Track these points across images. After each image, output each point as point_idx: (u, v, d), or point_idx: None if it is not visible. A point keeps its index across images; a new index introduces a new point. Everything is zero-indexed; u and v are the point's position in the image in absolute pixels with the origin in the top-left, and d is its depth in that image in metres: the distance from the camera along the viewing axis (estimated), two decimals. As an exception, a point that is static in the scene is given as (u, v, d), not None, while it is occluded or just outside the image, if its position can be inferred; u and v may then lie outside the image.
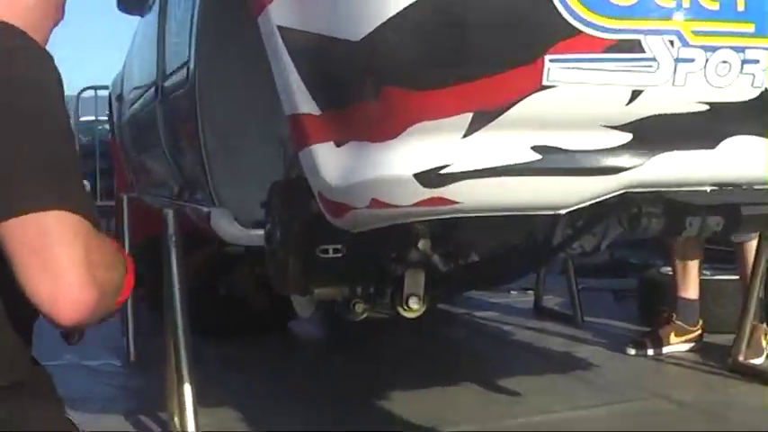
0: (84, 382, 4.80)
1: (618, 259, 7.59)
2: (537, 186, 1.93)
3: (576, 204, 1.98)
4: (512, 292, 6.94)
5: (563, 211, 1.99)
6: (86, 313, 1.20)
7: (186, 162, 3.72)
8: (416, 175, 1.90)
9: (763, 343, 4.84)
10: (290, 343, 5.77)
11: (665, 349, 5.08)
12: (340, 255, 2.50)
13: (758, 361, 4.75)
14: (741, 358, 4.70)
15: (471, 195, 1.91)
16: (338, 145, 2.03)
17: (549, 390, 4.49)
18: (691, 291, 5.12)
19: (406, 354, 5.45)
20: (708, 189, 2.08)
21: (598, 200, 1.98)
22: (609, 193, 1.98)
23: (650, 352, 5.07)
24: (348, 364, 5.23)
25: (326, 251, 2.49)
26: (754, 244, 4.67)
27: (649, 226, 2.50)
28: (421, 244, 2.53)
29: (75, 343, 1.36)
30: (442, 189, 1.90)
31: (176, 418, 3.59)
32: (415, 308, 2.56)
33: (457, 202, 1.92)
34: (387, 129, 1.95)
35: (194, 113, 3.27)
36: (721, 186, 2.06)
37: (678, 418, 4.05)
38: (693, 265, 5.10)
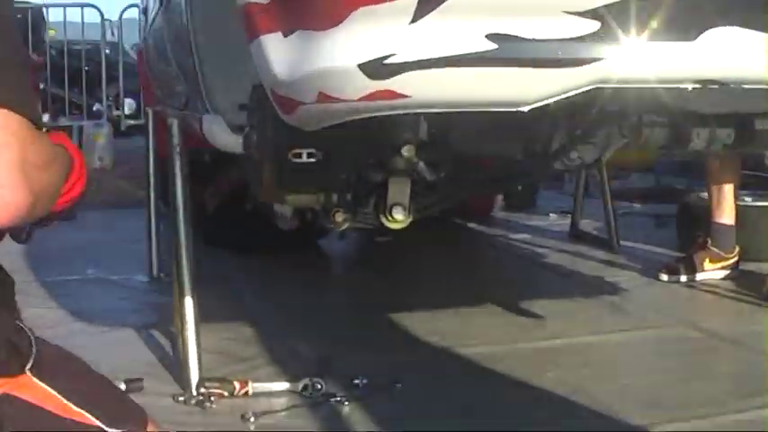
0: (105, 295, 4.83)
1: (664, 185, 7.34)
2: (493, 79, 1.73)
3: (539, 100, 1.77)
4: (550, 215, 6.77)
5: (525, 108, 1.78)
6: (18, 215, 1.13)
7: (186, 70, 3.59)
8: (361, 66, 1.72)
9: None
10: (315, 260, 5.66)
11: (699, 276, 4.87)
12: (314, 160, 2.34)
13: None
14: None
15: (421, 88, 1.72)
16: (285, 35, 1.86)
17: (573, 314, 4.36)
18: (726, 216, 4.90)
19: (430, 272, 5.33)
20: (689, 87, 1.85)
21: (564, 96, 1.77)
22: (575, 89, 1.77)
23: (683, 278, 4.87)
24: (371, 281, 5.20)
25: (300, 155, 2.34)
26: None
27: (651, 137, 2.32)
28: (405, 150, 2.35)
29: (24, 242, 1.32)
30: (388, 81, 1.72)
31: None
32: (399, 218, 2.41)
33: (406, 96, 1.73)
34: (330, 15, 1.78)
35: (186, 20, 3.12)
36: (705, 84, 1.84)
37: (701, 346, 3.87)
38: (729, 190, 4.87)
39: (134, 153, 7.68)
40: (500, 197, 6.92)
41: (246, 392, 3.30)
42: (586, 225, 6.20)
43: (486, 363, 3.61)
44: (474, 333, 4.05)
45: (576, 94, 1.78)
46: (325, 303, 4.65)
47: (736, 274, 4.90)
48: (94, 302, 4.54)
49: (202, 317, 3.39)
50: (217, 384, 3.31)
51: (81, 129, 9.71)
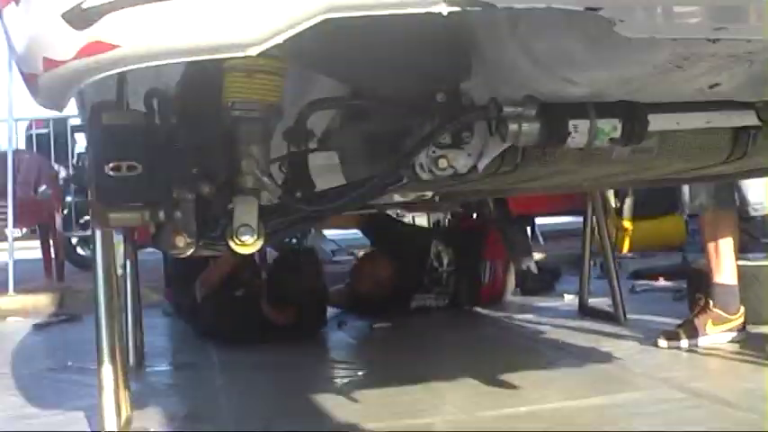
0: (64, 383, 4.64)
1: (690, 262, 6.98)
2: (205, 17, 1.47)
3: (265, 40, 1.46)
4: (565, 296, 6.50)
5: (253, 51, 1.47)
6: None
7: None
8: (65, 16, 1.48)
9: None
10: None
11: (702, 340, 4.51)
12: (135, 173, 2.11)
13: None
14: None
15: (127, 35, 1.47)
16: (17, 3, 1.65)
17: (551, 382, 4.04)
18: (726, 275, 4.55)
19: (417, 352, 5.12)
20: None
21: (294, 31, 1.45)
22: (304, 21, 1.45)
23: (684, 344, 4.51)
24: (353, 361, 5.09)
25: (119, 168, 2.11)
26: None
27: (520, 132, 2.06)
28: (245, 165, 2.12)
29: None
30: (94, 29, 1.47)
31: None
32: (247, 241, 2.15)
33: (117, 46, 1.48)
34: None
35: None
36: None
37: (682, 406, 3.49)
38: (727, 246, 4.54)
39: (150, 259, 7.65)
40: (513, 283, 6.64)
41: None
42: (600, 303, 5.84)
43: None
44: (437, 404, 3.77)
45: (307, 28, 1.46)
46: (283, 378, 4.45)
47: (744, 337, 4.48)
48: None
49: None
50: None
51: (102, 237, 9.66)
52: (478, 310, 6.30)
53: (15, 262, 7.72)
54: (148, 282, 7.50)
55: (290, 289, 5.32)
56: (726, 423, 3.34)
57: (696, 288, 5.03)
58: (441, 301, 6.25)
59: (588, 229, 5.77)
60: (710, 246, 4.58)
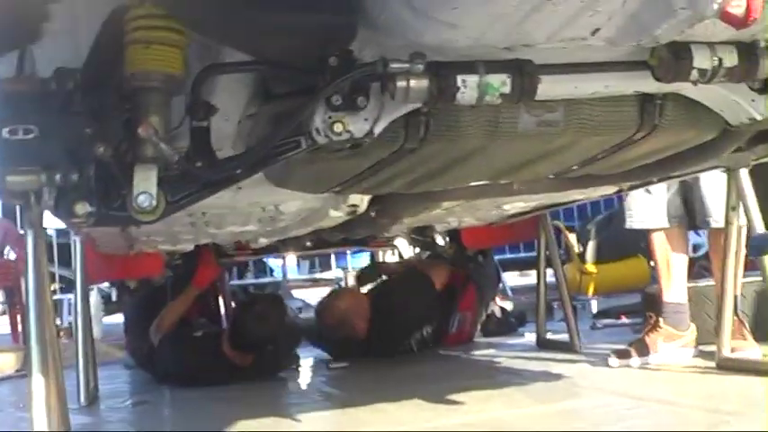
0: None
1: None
2: None
3: None
4: (525, 334, 6.44)
5: None
6: None
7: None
8: None
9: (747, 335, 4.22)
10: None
11: (653, 357, 4.50)
12: (32, 136, 2.13)
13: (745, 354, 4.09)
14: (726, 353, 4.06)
15: None
16: None
17: (496, 397, 4.00)
18: (676, 292, 4.55)
19: (371, 384, 5.10)
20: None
21: None
22: None
23: (635, 362, 4.50)
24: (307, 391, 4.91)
25: (16, 132, 2.13)
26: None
27: (409, 88, 2.08)
28: (141, 131, 2.14)
29: None
30: None
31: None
32: (147, 208, 2.16)
33: None
34: None
35: None
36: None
37: (623, 409, 3.47)
38: (677, 264, 4.55)
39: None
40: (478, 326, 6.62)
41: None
42: (560, 338, 5.77)
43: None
44: (382, 418, 3.75)
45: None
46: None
47: (695, 354, 4.45)
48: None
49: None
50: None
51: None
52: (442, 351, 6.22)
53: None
54: (114, 340, 7.52)
55: (253, 333, 5.26)
56: (668, 419, 3.31)
57: (648, 308, 5.00)
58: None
59: (541, 262, 5.76)
60: (662, 263, 4.58)
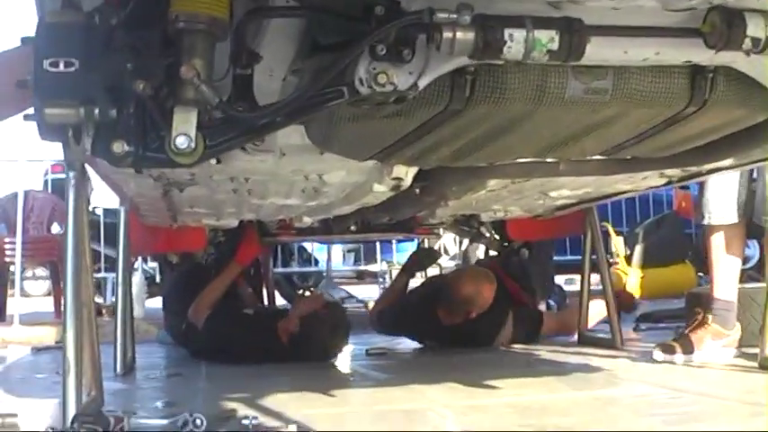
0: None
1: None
2: None
3: None
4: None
5: None
6: None
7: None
8: None
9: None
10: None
11: (698, 355, 4.40)
12: (72, 69, 2.13)
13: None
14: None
15: None
16: None
17: (532, 383, 3.94)
18: (726, 290, 4.47)
19: (412, 368, 5.14)
20: None
21: None
22: None
23: (679, 358, 4.43)
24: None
25: (56, 64, 2.13)
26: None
27: (455, 40, 2.06)
28: (183, 71, 2.14)
29: None
30: None
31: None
32: (185, 150, 2.16)
33: None
34: None
35: None
36: None
37: (661, 399, 3.42)
38: (731, 264, 4.47)
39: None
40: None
41: (122, 428, 3.05)
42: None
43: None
44: (415, 397, 3.77)
45: None
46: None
47: (739, 354, 4.38)
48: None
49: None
50: (91, 419, 3.06)
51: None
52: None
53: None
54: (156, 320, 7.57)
55: (325, 344, 5.24)
56: (706, 410, 3.24)
57: (694, 305, 4.92)
58: None
59: (587, 257, 5.70)
60: (717, 259, 4.50)
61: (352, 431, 3.11)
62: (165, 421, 3.11)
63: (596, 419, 3.09)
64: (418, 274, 7.13)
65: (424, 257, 6.85)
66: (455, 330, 5.66)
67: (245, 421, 3.08)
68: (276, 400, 3.64)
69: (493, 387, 3.85)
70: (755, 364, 4.08)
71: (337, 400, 3.74)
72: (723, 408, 3.22)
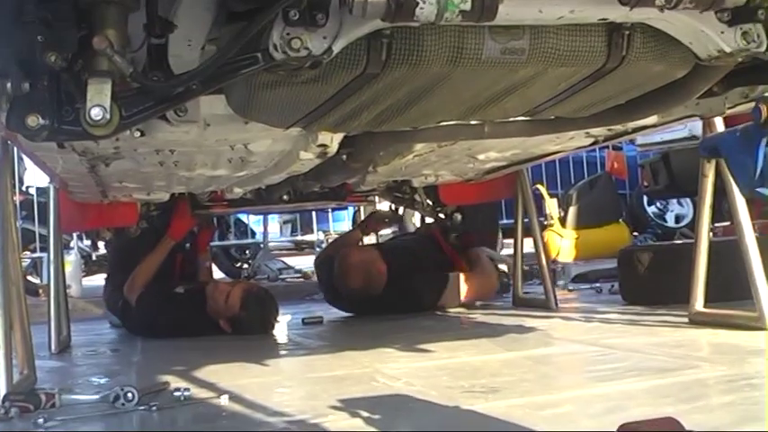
0: None
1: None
2: None
3: None
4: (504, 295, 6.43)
5: None
6: None
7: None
8: None
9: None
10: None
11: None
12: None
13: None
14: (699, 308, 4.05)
15: None
16: None
17: (465, 346, 3.96)
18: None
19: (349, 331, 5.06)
20: None
21: None
22: None
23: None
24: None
25: (-29, 43, 2.11)
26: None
27: (367, 4, 2.05)
28: (96, 42, 2.11)
29: None
30: None
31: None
32: (100, 121, 2.13)
33: None
34: None
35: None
36: None
37: (595, 357, 3.47)
38: None
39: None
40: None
41: (53, 404, 3.03)
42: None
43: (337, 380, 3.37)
44: (348, 363, 3.72)
45: None
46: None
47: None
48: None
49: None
50: (22, 397, 3.05)
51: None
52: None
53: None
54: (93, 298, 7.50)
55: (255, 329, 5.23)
56: (636, 365, 3.29)
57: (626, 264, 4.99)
58: None
59: (519, 218, 5.76)
60: None
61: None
62: (96, 396, 3.07)
63: (526, 378, 3.11)
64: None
65: (380, 218, 6.87)
66: (390, 296, 5.68)
67: (177, 393, 3.08)
68: (210, 372, 3.63)
69: (426, 351, 3.86)
70: (685, 320, 4.12)
71: (271, 369, 3.74)
72: (651, 362, 3.26)
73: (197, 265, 6.21)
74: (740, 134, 2.66)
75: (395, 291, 5.66)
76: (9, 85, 2.11)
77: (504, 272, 6.66)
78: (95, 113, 2.15)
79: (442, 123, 3.16)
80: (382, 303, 5.68)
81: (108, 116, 2.15)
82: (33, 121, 2.17)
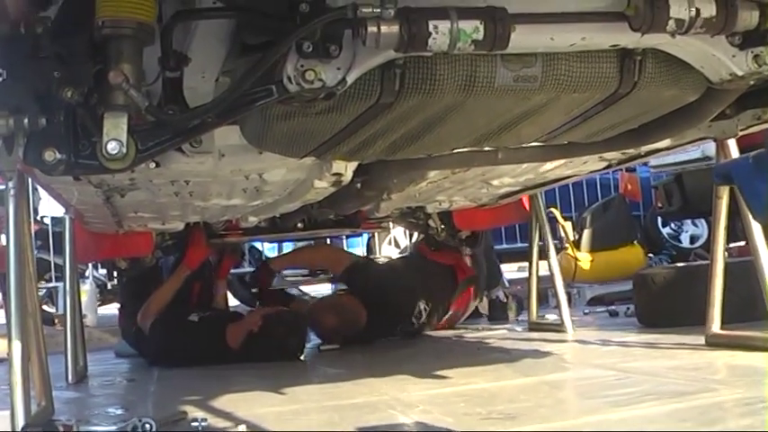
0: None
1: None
2: None
3: None
4: (519, 318, 6.43)
5: None
6: None
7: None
8: None
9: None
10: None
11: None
12: (0, 79, 2.13)
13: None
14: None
15: None
16: None
17: (481, 371, 3.96)
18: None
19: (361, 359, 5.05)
20: None
21: None
22: None
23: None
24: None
25: (-16, 75, 2.13)
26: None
27: (380, 34, 2.07)
28: (111, 77, 2.13)
29: None
30: None
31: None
32: (116, 155, 2.15)
33: None
34: None
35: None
36: None
37: (613, 382, 3.45)
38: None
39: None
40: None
41: (71, 436, 3.01)
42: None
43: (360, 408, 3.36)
44: (366, 390, 3.77)
45: None
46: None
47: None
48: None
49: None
50: (40, 429, 3.07)
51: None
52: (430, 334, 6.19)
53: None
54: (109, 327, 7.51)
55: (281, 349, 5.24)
56: (653, 389, 3.28)
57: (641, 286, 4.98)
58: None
59: (534, 243, 5.75)
60: None
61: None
62: (114, 427, 3.08)
63: (544, 404, 3.11)
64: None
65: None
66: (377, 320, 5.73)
67: (194, 423, 3.08)
68: (227, 401, 3.63)
69: (442, 377, 3.86)
70: (702, 342, 4.11)
71: (288, 397, 3.74)
72: (668, 386, 3.25)
73: (214, 290, 6.21)
74: (753, 161, 2.66)
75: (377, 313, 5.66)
76: (26, 120, 2.12)
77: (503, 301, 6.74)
78: (112, 147, 2.16)
79: (455, 150, 3.16)
80: (374, 329, 5.67)
81: (124, 150, 2.17)
82: (50, 155, 2.19)
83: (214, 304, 6.01)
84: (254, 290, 6.84)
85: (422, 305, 5.94)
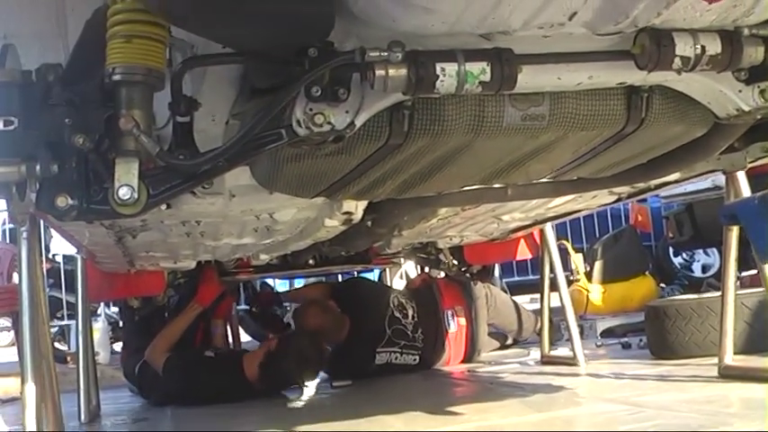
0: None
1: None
2: None
3: None
4: (531, 351, 6.41)
5: None
6: None
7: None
8: None
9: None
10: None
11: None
12: (12, 128, 2.14)
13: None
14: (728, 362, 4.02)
15: None
16: None
17: (495, 408, 3.94)
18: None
19: (369, 398, 4.98)
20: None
21: None
22: None
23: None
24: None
25: (-6, 124, 2.14)
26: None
27: (388, 77, 2.08)
28: (122, 123, 2.15)
29: None
30: None
31: None
32: (128, 201, 2.16)
33: None
34: None
35: None
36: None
37: (627, 416, 3.44)
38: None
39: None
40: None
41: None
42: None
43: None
44: (381, 427, 3.81)
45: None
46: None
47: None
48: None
49: None
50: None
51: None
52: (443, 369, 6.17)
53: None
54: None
55: (291, 370, 5.23)
56: (668, 422, 3.27)
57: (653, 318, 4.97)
58: (409, 357, 6.00)
59: (545, 277, 5.74)
60: None
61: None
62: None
63: (557, 440, 3.10)
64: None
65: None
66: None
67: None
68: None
69: (456, 413, 3.85)
70: (715, 374, 4.09)
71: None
72: (682, 420, 3.24)
73: (212, 330, 6.22)
74: (758, 201, 2.66)
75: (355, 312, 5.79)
76: (38, 167, 2.13)
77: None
78: (123, 193, 2.17)
79: (465, 188, 3.17)
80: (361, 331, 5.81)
81: (136, 195, 2.18)
82: (62, 201, 2.20)
83: (213, 344, 5.99)
84: (254, 308, 6.85)
85: (395, 300, 5.94)
